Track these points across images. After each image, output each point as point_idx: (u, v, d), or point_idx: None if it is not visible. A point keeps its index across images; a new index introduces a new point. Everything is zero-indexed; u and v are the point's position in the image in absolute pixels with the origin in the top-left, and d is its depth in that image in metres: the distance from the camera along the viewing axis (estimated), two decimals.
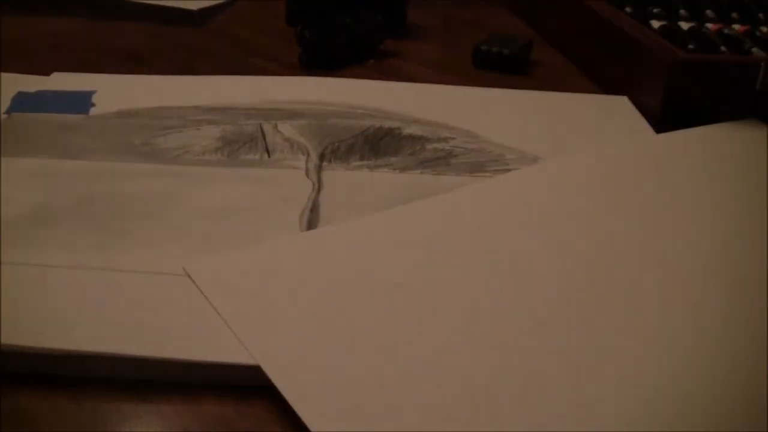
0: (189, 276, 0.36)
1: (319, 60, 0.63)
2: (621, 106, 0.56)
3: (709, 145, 0.44)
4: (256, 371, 0.32)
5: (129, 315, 0.34)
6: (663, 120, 0.53)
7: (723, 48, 0.57)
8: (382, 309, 0.34)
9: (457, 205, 0.42)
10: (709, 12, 0.64)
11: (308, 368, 0.31)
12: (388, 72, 0.63)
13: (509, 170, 0.46)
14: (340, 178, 0.45)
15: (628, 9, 0.64)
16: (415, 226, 0.40)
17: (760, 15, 0.64)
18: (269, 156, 0.47)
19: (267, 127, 0.50)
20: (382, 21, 0.66)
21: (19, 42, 0.65)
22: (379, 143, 0.49)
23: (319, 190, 0.44)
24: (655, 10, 0.64)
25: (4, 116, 0.50)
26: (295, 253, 0.38)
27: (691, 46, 0.56)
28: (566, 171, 0.44)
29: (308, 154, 0.47)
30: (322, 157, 0.47)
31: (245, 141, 0.48)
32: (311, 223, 0.41)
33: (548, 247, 0.38)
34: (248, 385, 0.32)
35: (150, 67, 0.62)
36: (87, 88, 0.54)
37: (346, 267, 0.37)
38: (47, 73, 0.57)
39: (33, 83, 0.55)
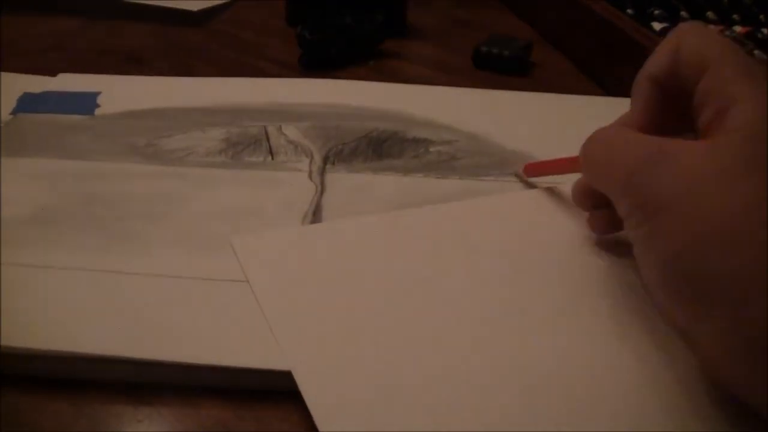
0: (233, 248, 0.38)
1: (319, 61, 0.63)
2: (626, 109, 0.56)
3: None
4: (258, 375, 0.32)
5: (131, 317, 0.34)
6: None
7: None
8: (411, 308, 0.35)
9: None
10: (710, 13, 0.64)
11: (327, 360, 0.32)
12: (388, 73, 0.63)
13: (513, 172, 0.46)
14: (344, 180, 0.45)
15: (629, 10, 0.64)
16: (448, 226, 0.41)
17: (762, 17, 0.64)
18: (273, 158, 0.47)
19: (271, 129, 0.50)
20: (382, 21, 0.66)
21: (20, 42, 0.65)
22: (382, 146, 0.49)
23: (322, 193, 0.44)
24: (656, 12, 0.64)
25: (9, 117, 0.50)
26: (335, 238, 0.40)
27: None
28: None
29: (312, 157, 0.47)
30: (325, 160, 0.47)
31: (249, 143, 0.48)
32: None
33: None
34: (250, 389, 0.32)
35: (150, 67, 0.62)
36: (93, 88, 0.54)
37: (390, 259, 0.38)
38: (47, 73, 0.57)
39: (39, 84, 0.55)
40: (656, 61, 0.35)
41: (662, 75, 0.34)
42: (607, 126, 0.37)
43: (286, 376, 0.31)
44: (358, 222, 0.41)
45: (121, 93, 0.54)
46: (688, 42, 0.33)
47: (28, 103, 0.52)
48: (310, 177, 0.45)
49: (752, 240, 0.27)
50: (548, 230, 0.41)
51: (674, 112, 0.35)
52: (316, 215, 0.42)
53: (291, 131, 0.50)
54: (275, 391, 0.32)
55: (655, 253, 0.30)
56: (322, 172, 0.46)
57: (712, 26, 0.62)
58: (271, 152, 0.47)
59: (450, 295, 0.36)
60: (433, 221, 0.41)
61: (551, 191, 0.44)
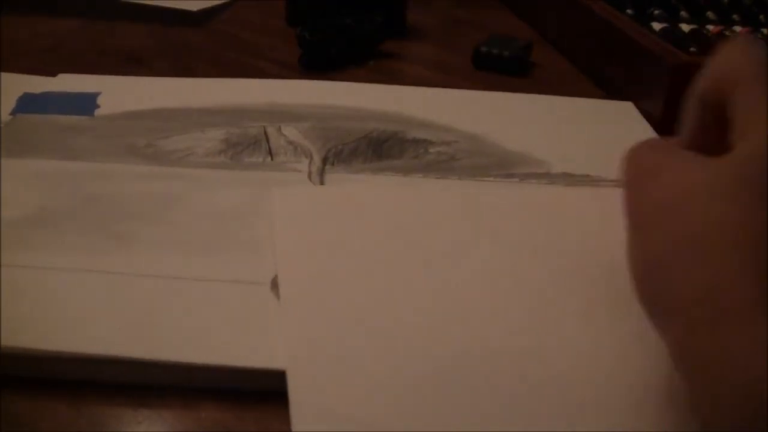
0: (272, 200, 0.40)
1: (319, 61, 0.63)
2: (626, 112, 0.56)
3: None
4: (258, 375, 0.32)
5: (130, 318, 0.34)
6: (664, 123, 0.53)
7: None
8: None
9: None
10: (710, 14, 0.64)
11: (324, 351, 0.32)
12: (388, 73, 0.63)
13: (512, 173, 0.47)
14: (343, 181, 0.45)
15: (629, 10, 0.64)
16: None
17: (761, 17, 0.64)
18: (272, 159, 0.47)
19: (271, 130, 0.50)
20: (382, 22, 0.66)
21: (19, 42, 0.65)
22: (382, 146, 0.49)
23: None
24: (656, 12, 0.64)
25: (9, 117, 0.50)
26: (374, 203, 0.42)
27: (692, 49, 0.56)
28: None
29: (311, 157, 0.47)
30: (325, 161, 0.47)
31: (249, 143, 0.48)
32: None
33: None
34: (250, 389, 0.32)
35: (150, 67, 0.62)
36: (92, 89, 0.54)
37: (425, 236, 0.39)
38: (47, 74, 0.57)
39: (39, 84, 0.55)
40: (701, 79, 0.33)
41: (705, 94, 0.33)
42: (653, 137, 0.36)
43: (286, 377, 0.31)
44: (405, 192, 0.44)
45: (121, 93, 0.54)
46: (726, 59, 0.32)
47: (28, 104, 0.52)
48: (309, 178, 0.45)
49: (706, 263, 0.26)
50: (580, 230, 0.41)
51: (722, 132, 0.32)
52: None
53: (290, 132, 0.50)
54: (275, 391, 0.32)
55: (634, 263, 0.30)
56: (322, 173, 0.46)
57: (711, 26, 0.62)
58: (270, 153, 0.47)
59: (469, 293, 0.36)
60: (479, 201, 0.43)
61: (598, 191, 0.45)
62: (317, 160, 0.47)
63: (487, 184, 0.46)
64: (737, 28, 0.62)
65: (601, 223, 0.41)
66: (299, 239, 0.38)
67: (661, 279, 0.28)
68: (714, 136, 0.33)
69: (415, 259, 0.38)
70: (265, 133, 0.49)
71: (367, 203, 0.41)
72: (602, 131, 0.53)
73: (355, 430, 0.29)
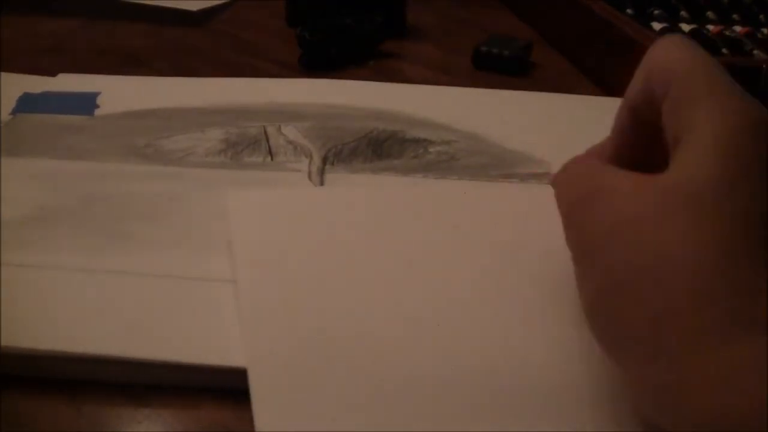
0: (228, 204, 0.39)
1: (319, 61, 0.63)
2: None
3: None
4: None
5: (130, 317, 0.34)
6: None
7: (724, 50, 0.57)
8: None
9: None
10: (710, 14, 0.64)
11: (286, 353, 0.32)
12: (388, 73, 0.63)
13: (512, 173, 0.46)
14: (343, 181, 0.45)
15: (629, 10, 0.64)
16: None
17: (761, 17, 0.64)
18: (272, 158, 0.47)
19: (270, 130, 0.50)
20: (382, 21, 0.66)
21: (19, 42, 0.65)
22: (382, 146, 0.49)
23: None
24: (656, 12, 0.64)
25: (9, 117, 0.50)
26: (333, 206, 0.40)
27: None
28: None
29: (311, 157, 0.47)
30: (324, 160, 0.47)
31: (249, 143, 0.48)
32: None
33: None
34: (248, 390, 0.32)
35: (150, 67, 0.62)
36: (92, 89, 0.54)
37: (380, 235, 0.38)
38: (47, 74, 0.57)
39: (39, 84, 0.55)
40: (631, 87, 0.32)
41: (636, 101, 0.31)
42: (580, 155, 0.34)
43: None
44: (363, 192, 0.43)
45: (121, 93, 0.54)
46: (657, 60, 0.30)
47: (28, 104, 0.52)
48: (309, 177, 0.45)
49: (658, 291, 0.25)
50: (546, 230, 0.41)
51: (656, 140, 0.31)
52: None
53: (290, 132, 0.50)
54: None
55: (584, 292, 0.29)
56: (322, 173, 0.46)
57: (711, 26, 0.62)
58: (270, 153, 0.47)
59: (428, 293, 0.35)
60: (436, 200, 0.42)
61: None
62: (317, 159, 0.47)
63: (487, 184, 0.46)
64: (737, 28, 0.62)
65: None
66: (258, 240, 0.38)
67: (613, 308, 0.27)
68: (645, 147, 0.31)
69: (380, 258, 0.37)
70: (265, 132, 0.49)
71: (328, 204, 0.41)
72: (603, 130, 0.53)
73: (319, 430, 0.29)
